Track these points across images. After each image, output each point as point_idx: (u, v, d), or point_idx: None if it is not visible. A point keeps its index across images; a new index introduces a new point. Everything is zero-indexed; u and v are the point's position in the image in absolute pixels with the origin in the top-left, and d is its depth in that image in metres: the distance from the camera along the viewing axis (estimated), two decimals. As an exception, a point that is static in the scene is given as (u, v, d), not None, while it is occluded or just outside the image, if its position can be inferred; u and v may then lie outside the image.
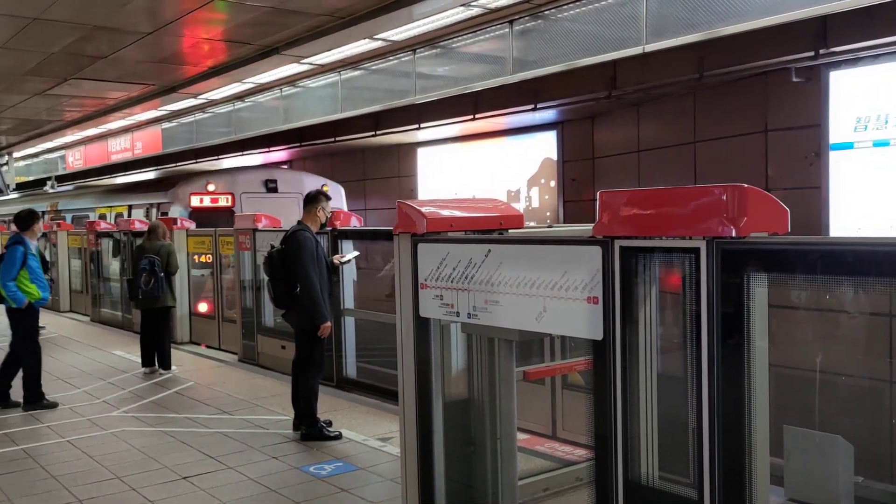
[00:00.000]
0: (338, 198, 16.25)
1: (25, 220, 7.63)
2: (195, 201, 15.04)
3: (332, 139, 14.86)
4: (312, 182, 16.35)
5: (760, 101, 9.46)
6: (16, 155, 21.05)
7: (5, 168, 20.46)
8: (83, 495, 5.01)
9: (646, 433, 2.75)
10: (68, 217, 19.15)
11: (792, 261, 2.43)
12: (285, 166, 18.72)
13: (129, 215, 15.94)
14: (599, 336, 2.81)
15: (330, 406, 6.82)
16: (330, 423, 6.21)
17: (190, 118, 15.01)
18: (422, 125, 12.88)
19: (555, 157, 12.92)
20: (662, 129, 11.00)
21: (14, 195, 23.68)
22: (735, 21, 6.15)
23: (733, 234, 2.47)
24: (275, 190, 15.80)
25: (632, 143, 11.39)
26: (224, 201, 15.19)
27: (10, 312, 7.43)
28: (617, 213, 2.77)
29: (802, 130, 8.99)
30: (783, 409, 3.07)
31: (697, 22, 6.38)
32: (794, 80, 8.71)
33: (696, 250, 2.53)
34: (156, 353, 8.90)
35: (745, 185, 2.54)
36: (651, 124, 11.19)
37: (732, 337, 2.46)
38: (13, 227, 8.12)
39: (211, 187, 15.44)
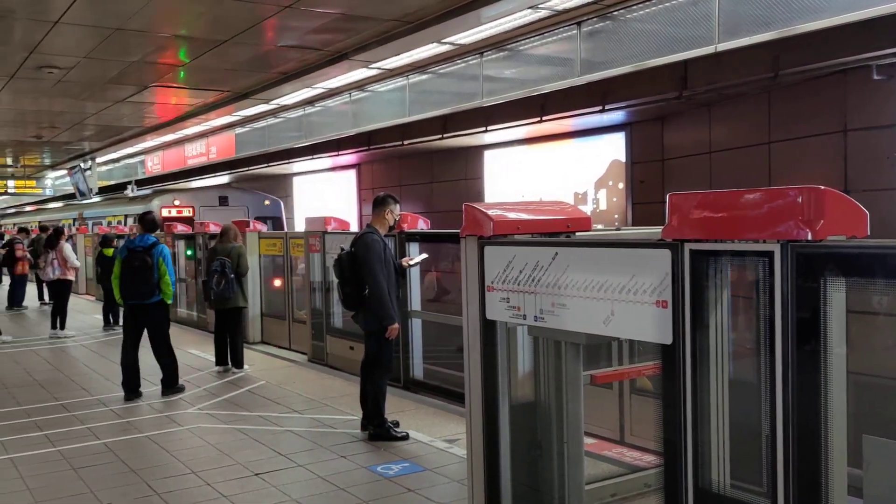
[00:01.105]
0: (277, 210, 21.39)
1: (156, 223, 8.48)
2: (164, 212, 19.84)
3: (400, 142, 15.00)
4: (256, 198, 21.66)
5: (839, 99, 9.14)
6: (98, 160, 21.92)
7: (89, 173, 21.32)
8: (161, 489, 5.19)
9: (717, 440, 2.70)
10: (90, 223, 23.89)
11: (872, 265, 2.35)
12: (256, 187, 22.05)
13: (125, 222, 20.76)
14: (669, 340, 2.77)
15: (397, 407, 6.88)
16: (397, 424, 6.28)
17: (262, 123, 15.38)
18: (489, 128, 12.88)
19: (623, 158, 12.75)
20: (735, 130, 10.74)
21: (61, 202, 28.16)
22: (813, 18, 5.96)
23: (809, 237, 2.40)
24: (226, 203, 20.63)
25: (703, 145, 11.16)
26: (187, 212, 20.07)
27: (157, 307, 8.02)
28: (687, 215, 2.72)
29: (884, 130, 8.65)
30: (863, 418, 2.96)
31: (772, 19, 6.22)
32: (876, 77, 8.39)
33: (770, 254, 2.47)
34: (228, 352, 9.14)
35: (822, 187, 2.47)
36: (723, 125, 10.93)
37: (808, 343, 2.39)
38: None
39: (177, 202, 20.52)
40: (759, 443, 2.53)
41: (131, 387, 7.95)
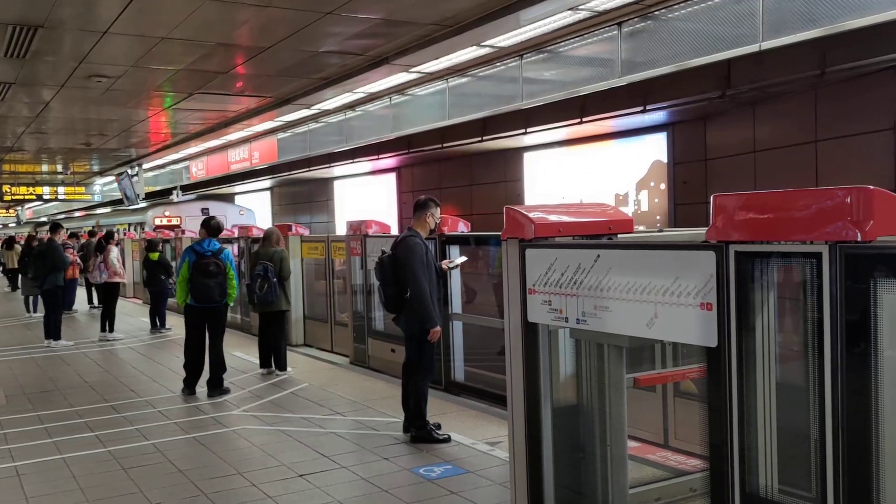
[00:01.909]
0: (251, 219, 25.31)
1: (221, 228, 8.71)
2: (157, 220, 24.83)
3: (440, 146, 15.06)
4: (232, 209, 26.63)
5: (888, 96, 8.94)
6: (145, 166, 22.39)
7: (135, 179, 21.79)
8: (208, 489, 5.28)
9: (764, 444, 2.66)
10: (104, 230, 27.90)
11: (924, 266, 2.30)
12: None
13: (129, 229, 24.90)
14: (714, 343, 2.74)
15: (439, 409, 6.90)
16: (439, 426, 6.29)
17: (304, 128, 15.56)
18: (528, 130, 12.86)
19: (665, 159, 12.63)
20: (780, 129, 10.57)
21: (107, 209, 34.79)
22: (860, 14, 5.85)
23: (858, 238, 2.36)
24: (207, 212, 23.75)
25: (747, 144, 10.99)
26: (175, 220, 24.89)
27: (222, 308, 8.37)
28: (732, 216, 2.69)
29: (936, 127, 8.44)
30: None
31: (818, 16, 6.11)
32: (927, 73, 8.20)
33: (818, 255, 2.43)
34: (272, 354, 9.25)
35: (871, 187, 2.42)
36: (768, 124, 10.76)
37: (858, 345, 2.35)
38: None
39: (167, 213, 25.67)
40: (808, 447, 2.50)
41: (192, 383, 8.24)
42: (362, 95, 12.20)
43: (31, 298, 16.64)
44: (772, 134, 10.65)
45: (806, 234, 2.47)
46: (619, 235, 3.74)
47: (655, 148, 12.84)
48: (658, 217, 12.81)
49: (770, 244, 2.59)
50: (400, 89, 11.91)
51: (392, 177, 20.69)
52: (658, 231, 6.76)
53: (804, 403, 2.53)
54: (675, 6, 7.46)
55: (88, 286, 17.74)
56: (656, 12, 7.69)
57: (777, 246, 2.57)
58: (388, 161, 18.61)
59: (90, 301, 17.90)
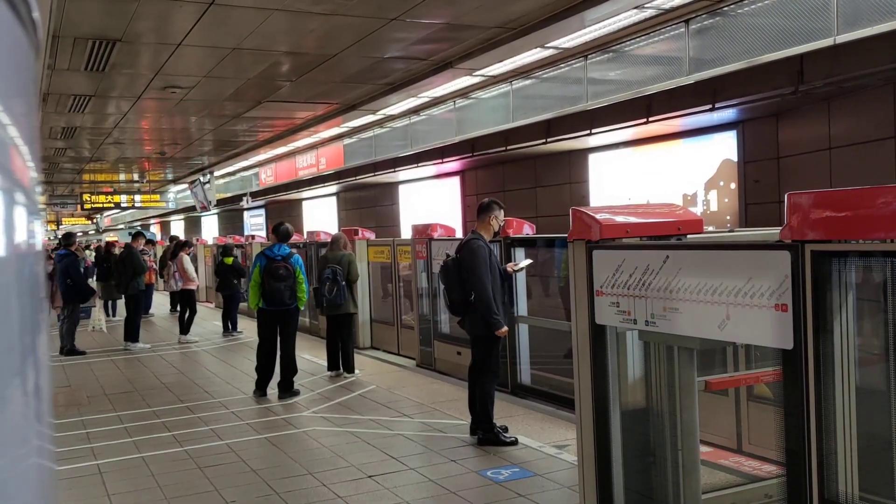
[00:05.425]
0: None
1: (290, 233, 8.84)
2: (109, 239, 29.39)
3: (504, 148, 15.03)
4: (150, 233, 33.25)
5: (974, 88, 8.54)
6: (216, 173, 22.99)
7: (208, 186, 22.38)
8: (280, 489, 5.39)
9: (843, 449, 2.58)
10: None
11: None
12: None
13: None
14: (789, 345, 2.68)
15: (505, 412, 6.89)
16: (506, 429, 6.28)
17: (369, 133, 15.75)
18: (593, 131, 12.72)
19: (735, 158, 12.32)
20: (857, 125, 10.20)
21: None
22: (941, 3, 5.61)
23: (943, 235, 2.27)
24: (152, 233, 35.69)
25: (822, 141, 10.65)
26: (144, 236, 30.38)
27: (293, 312, 8.53)
28: (807, 215, 2.63)
29: None
30: None
31: (896, 7, 5.89)
32: None
33: (899, 254, 2.35)
34: (340, 357, 9.38)
35: (957, 183, 2.33)
36: (844, 120, 10.40)
37: (944, 348, 2.26)
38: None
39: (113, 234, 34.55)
40: (890, 452, 2.41)
41: (264, 385, 8.44)
42: (426, 100, 12.28)
43: (109, 303, 17.27)
44: (848, 130, 10.29)
45: (886, 233, 2.39)
46: (688, 236, 3.69)
47: (725, 147, 12.55)
48: (728, 217, 12.51)
49: (848, 243, 2.52)
50: (464, 93, 11.95)
51: (456, 180, 20.71)
52: (729, 231, 6.61)
53: (886, 408, 2.45)
54: (745, 1, 7.29)
55: (172, 293, 18.28)
56: (725, 8, 7.53)
57: (855, 245, 2.50)
58: (452, 164, 18.64)
59: (173, 307, 18.45)
